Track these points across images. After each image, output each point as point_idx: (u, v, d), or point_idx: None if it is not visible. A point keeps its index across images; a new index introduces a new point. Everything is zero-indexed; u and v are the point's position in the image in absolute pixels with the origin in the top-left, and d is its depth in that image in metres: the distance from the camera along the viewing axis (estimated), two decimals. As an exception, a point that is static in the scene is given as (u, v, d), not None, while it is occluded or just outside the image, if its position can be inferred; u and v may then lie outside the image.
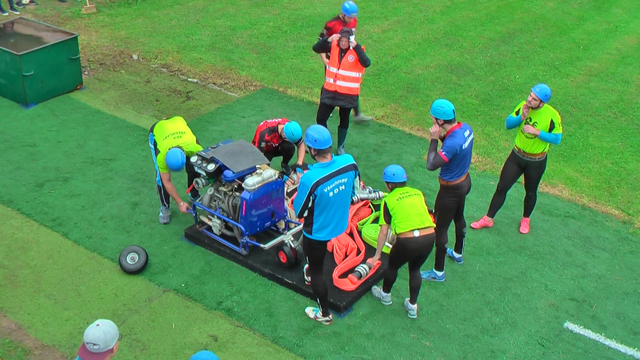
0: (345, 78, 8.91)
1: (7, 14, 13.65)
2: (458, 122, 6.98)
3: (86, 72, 11.61)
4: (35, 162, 9.12)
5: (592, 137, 10.71)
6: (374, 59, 12.88)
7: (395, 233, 6.58)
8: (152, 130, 7.91)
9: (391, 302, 7.09)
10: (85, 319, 6.68)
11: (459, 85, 12.09)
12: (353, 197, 8.18)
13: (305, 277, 7.10)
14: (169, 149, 7.51)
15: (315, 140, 6.09)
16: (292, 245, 7.26)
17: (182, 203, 7.85)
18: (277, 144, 8.51)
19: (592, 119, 11.25)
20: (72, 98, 10.82)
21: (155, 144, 7.78)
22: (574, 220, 8.65)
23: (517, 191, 9.09)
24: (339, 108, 9.39)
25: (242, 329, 6.70)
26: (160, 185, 7.91)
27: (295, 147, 8.69)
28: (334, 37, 8.89)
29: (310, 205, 6.16)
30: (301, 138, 8.43)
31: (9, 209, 8.19)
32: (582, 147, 10.41)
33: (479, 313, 7.10)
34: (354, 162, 6.38)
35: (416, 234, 6.50)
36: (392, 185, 6.77)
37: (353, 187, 6.49)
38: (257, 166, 7.51)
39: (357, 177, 6.47)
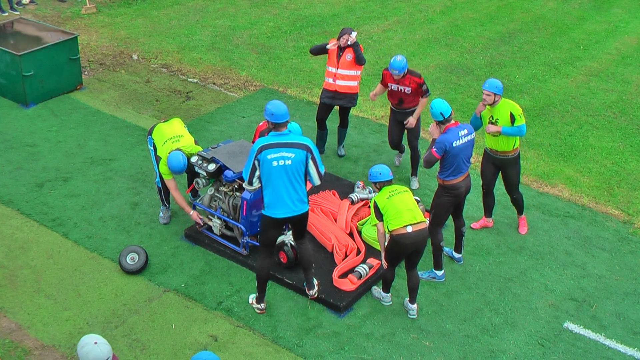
0: (344, 77, 8.94)
1: (7, 14, 13.65)
2: (455, 122, 7.01)
3: (86, 72, 11.61)
4: (35, 162, 9.12)
5: (592, 137, 10.71)
6: (374, 59, 12.89)
7: (388, 230, 6.60)
8: (150, 133, 7.90)
9: (391, 303, 7.09)
10: (85, 319, 6.68)
11: (459, 85, 12.09)
12: (352, 197, 8.25)
13: (309, 292, 7.02)
14: (169, 153, 7.51)
15: (272, 114, 6.39)
16: (293, 245, 7.26)
17: (192, 212, 7.72)
18: (277, 144, 8.50)
19: (592, 119, 11.25)
20: (72, 98, 10.82)
21: (155, 149, 7.77)
22: (574, 220, 8.65)
23: (517, 191, 9.11)
24: (338, 108, 9.40)
25: (242, 329, 6.70)
26: (160, 185, 7.91)
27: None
28: (333, 44, 8.90)
29: (257, 172, 6.39)
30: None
31: (9, 209, 8.19)
32: (582, 147, 10.41)
33: (479, 313, 7.10)
34: (309, 145, 6.45)
35: (409, 229, 6.50)
36: (379, 185, 6.79)
37: (309, 174, 6.51)
38: (257, 166, 7.50)
39: (312, 162, 6.47)
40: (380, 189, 6.79)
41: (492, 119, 7.63)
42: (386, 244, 6.75)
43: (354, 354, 6.51)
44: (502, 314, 7.11)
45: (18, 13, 13.62)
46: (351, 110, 9.63)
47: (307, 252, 6.85)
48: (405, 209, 6.58)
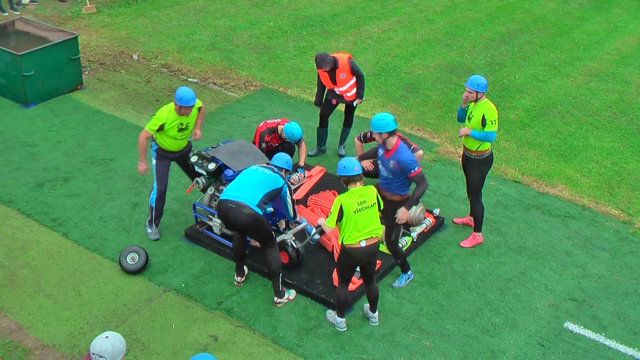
0: (348, 89, 9.10)
1: (7, 14, 13.65)
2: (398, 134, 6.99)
3: (86, 72, 11.61)
4: (35, 162, 9.12)
5: (592, 137, 10.71)
6: (374, 59, 12.89)
7: (343, 243, 6.34)
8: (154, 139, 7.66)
9: (346, 328, 6.74)
10: (86, 319, 6.68)
11: (459, 85, 12.08)
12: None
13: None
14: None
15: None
16: (294, 245, 7.25)
17: (142, 163, 7.51)
18: (277, 144, 8.51)
19: (592, 119, 11.25)
20: (72, 98, 10.82)
21: (155, 144, 7.63)
22: (574, 220, 8.65)
23: (516, 190, 9.10)
24: (345, 106, 9.43)
25: (242, 329, 6.70)
26: (153, 205, 7.67)
27: (296, 147, 8.69)
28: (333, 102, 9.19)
29: None
30: (301, 138, 8.47)
31: (9, 209, 8.20)
32: (582, 147, 10.41)
33: (479, 313, 7.10)
34: (285, 183, 6.99)
35: (363, 244, 6.30)
36: (345, 180, 6.33)
37: (284, 201, 7.07)
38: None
39: (289, 191, 6.99)
40: (346, 184, 6.33)
41: (471, 115, 7.51)
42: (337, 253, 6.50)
43: (354, 354, 6.51)
44: (502, 314, 7.11)
45: (18, 13, 13.62)
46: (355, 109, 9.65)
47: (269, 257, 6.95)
48: (365, 226, 6.27)
